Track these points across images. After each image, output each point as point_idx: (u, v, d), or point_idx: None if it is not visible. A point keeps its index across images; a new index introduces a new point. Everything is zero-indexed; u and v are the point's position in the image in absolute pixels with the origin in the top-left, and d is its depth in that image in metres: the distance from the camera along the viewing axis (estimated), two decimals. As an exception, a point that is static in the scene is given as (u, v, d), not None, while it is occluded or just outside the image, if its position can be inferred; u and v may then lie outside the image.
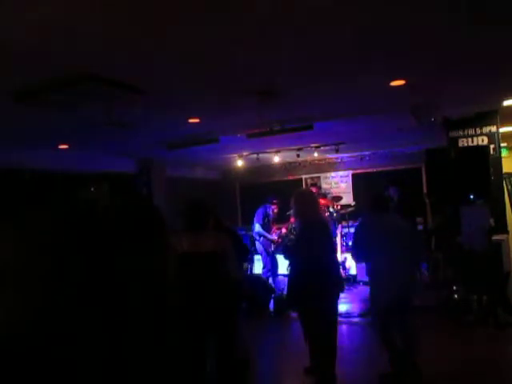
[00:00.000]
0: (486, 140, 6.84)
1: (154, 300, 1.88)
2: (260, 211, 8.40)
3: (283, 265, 7.41)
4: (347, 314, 6.68)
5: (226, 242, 3.70)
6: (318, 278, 4.00)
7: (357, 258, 4.80)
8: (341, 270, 4.40)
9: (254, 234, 8.50)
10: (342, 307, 7.02)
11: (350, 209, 10.14)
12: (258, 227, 8.32)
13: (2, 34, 3.12)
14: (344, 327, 6.23)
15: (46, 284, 1.65)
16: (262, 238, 8.32)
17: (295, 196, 4.44)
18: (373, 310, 4.62)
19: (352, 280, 8.58)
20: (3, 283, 1.65)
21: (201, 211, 3.75)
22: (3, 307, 1.60)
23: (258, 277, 8.20)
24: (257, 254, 8.86)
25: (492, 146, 6.78)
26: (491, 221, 6.01)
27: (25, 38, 3.21)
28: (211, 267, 3.53)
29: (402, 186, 8.34)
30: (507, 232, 6.71)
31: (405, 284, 4.25)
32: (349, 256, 8.75)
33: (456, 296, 6.17)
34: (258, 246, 8.49)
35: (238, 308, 4.17)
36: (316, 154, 10.27)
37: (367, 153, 11.12)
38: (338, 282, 4.21)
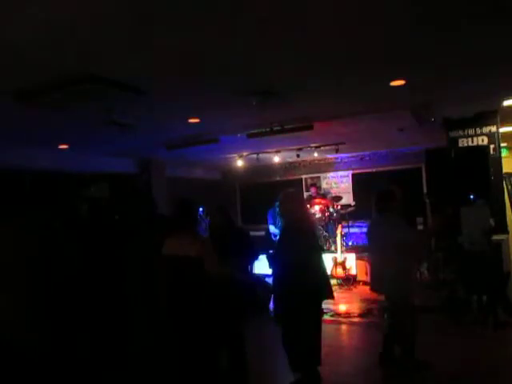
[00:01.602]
0: (486, 140, 6.84)
1: (153, 298, 1.88)
2: (270, 213, 8.65)
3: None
4: (347, 314, 6.67)
5: (202, 246, 3.49)
6: (291, 288, 3.89)
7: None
8: (327, 275, 4.30)
9: (271, 236, 8.77)
10: (342, 307, 7.03)
11: (349, 209, 10.15)
12: (272, 228, 8.66)
13: (3, 35, 3.12)
14: (344, 327, 6.24)
15: (43, 284, 1.65)
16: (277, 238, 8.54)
17: (282, 198, 4.27)
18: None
19: (352, 280, 8.57)
20: (4, 284, 1.65)
21: (181, 213, 3.50)
22: (4, 307, 1.60)
23: (257, 276, 8.21)
24: None
25: (492, 146, 6.77)
26: (491, 221, 6.00)
27: (25, 39, 3.21)
28: (188, 271, 3.24)
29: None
30: (507, 232, 6.70)
31: (398, 285, 4.26)
32: (349, 256, 8.76)
33: (456, 296, 6.17)
34: None
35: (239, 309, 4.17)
36: (316, 154, 10.28)
37: (367, 153, 11.12)
38: (315, 289, 4.02)
